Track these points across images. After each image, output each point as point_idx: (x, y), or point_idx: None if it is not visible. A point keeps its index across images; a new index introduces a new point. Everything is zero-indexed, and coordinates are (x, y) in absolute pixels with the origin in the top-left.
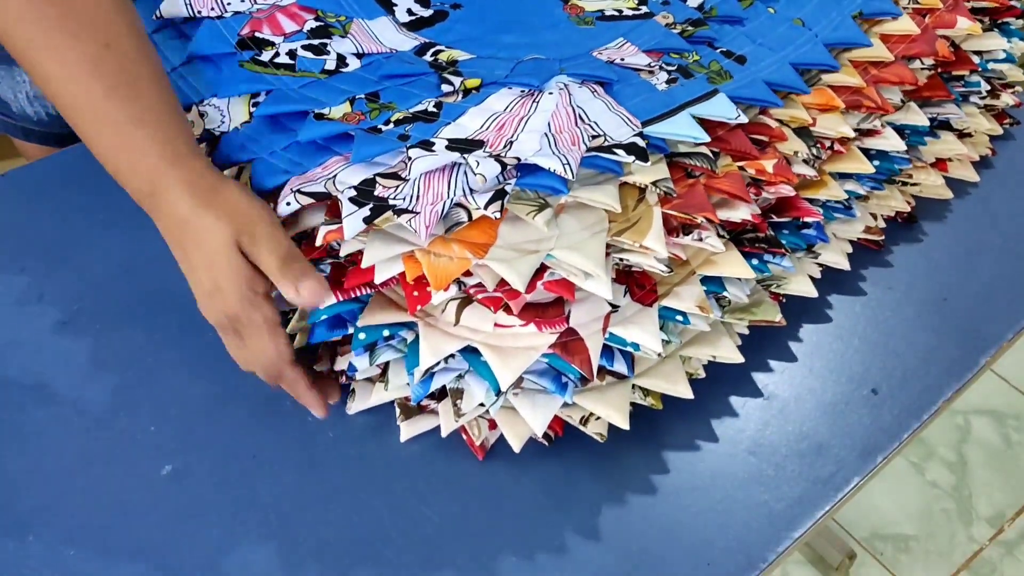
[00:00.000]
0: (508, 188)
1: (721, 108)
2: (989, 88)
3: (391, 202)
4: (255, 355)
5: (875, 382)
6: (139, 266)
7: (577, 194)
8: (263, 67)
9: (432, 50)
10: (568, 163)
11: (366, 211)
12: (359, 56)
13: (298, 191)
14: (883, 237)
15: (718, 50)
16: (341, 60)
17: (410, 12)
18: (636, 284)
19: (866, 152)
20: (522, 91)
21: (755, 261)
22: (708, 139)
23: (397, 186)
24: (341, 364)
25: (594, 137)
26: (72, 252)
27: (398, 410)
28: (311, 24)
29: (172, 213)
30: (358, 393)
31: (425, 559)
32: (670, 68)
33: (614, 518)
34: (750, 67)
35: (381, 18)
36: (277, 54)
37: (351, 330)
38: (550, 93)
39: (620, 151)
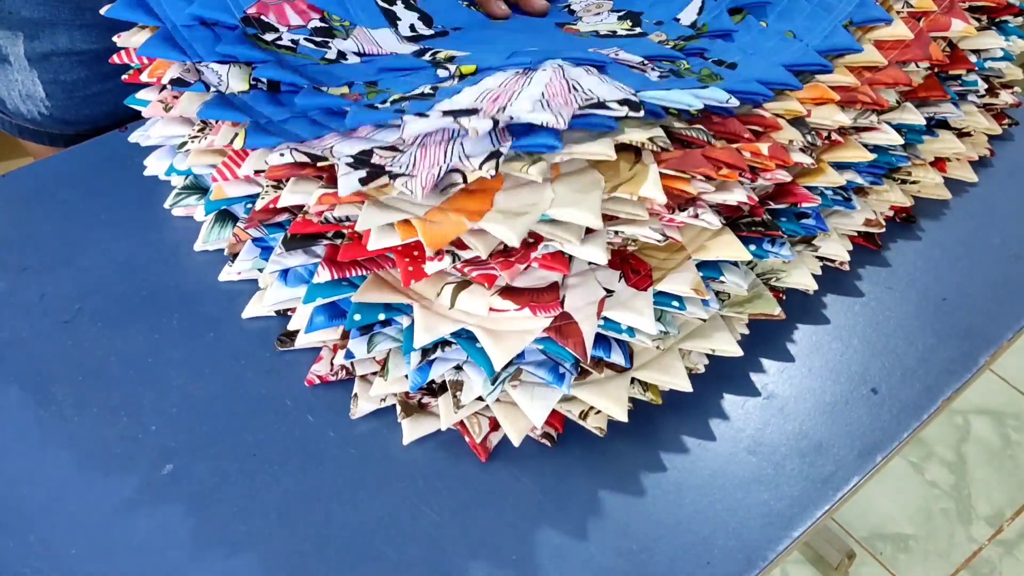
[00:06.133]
0: (503, 150)
1: (712, 93)
2: (987, 87)
3: (388, 169)
4: None
5: (875, 381)
6: (140, 266)
7: (572, 149)
8: (264, 44)
9: (430, 52)
10: (560, 115)
11: (363, 172)
12: (359, 55)
13: (294, 149)
14: (883, 229)
15: (709, 60)
16: (341, 55)
17: (412, 28)
18: (631, 270)
19: (863, 146)
20: (516, 71)
21: (753, 247)
22: (701, 105)
23: (394, 156)
24: (340, 359)
25: (588, 100)
26: (73, 252)
27: (399, 408)
28: (315, 23)
29: None
30: (360, 396)
31: (426, 558)
32: (662, 70)
33: (613, 517)
34: (741, 71)
35: (384, 29)
36: (280, 38)
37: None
38: (543, 70)
39: (613, 103)
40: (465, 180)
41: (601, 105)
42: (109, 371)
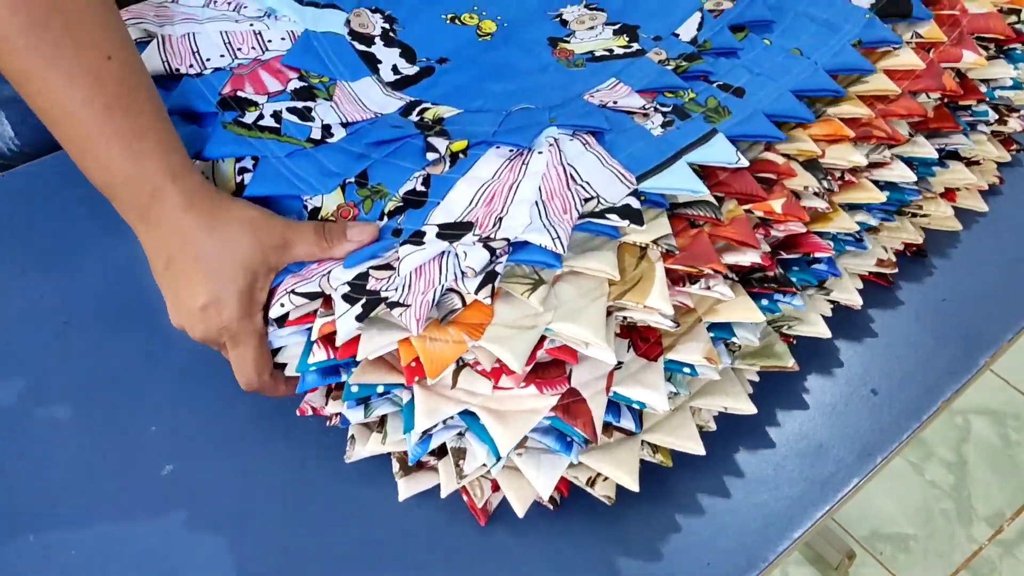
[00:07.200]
0: (499, 268)
1: (720, 152)
2: (997, 115)
3: (383, 294)
4: (239, 366)
5: (875, 382)
6: (139, 267)
7: (572, 263)
8: (247, 130)
9: (418, 109)
10: (558, 236)
11: (358, 308)
12: (344, 125)
13: (292, 291)
14: (896, 270)
15: (714, 84)
16: (327, 130)
17: (395, 70)
18: (640, 337)
19: (875, 184)
20: (511, 151)
21: (765, 301)
22: (707, 192)
23: (390, 276)
24: (333, 407)
25: (587, 200)
26: (72, 253)
27: (396, 464)
28: (295, 84)
29: (174, 227)
30: (357, 439)
31: None
32: (665, 109)
33: (614, 516)
34: (750, 98)
35: (365, 79)
36: (261, 116)
37: (345, 377)
38: (539, 152)
39: (614, 216)
40: (464, 303)
41: (601, 215)
42: (108, 372)
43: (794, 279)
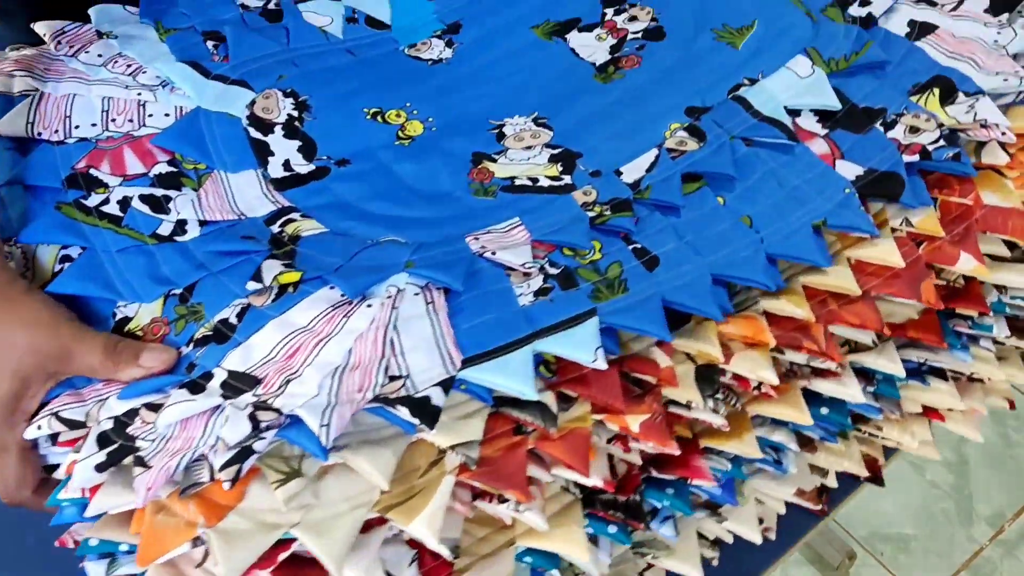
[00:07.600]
0: (259, 446)
1: (579, 346)
2: (1010, 329)
3: (138, 443)
4: None
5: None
6: None
7: (347, 455)
8: (85, 214)
9: (284, 218)
10: (328, 423)
11: (102, 456)
12: (203, 224)
13: (55, 414)
14: (821, 506)
15: (632, 246)
16: (180, 226)
17: (287, 166)
18: (429, 552)
19: (815, 396)
20: (341, 296)
21: (612, 528)
22: (536, 397)
23: (155, 422)
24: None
25: (394, 378)
26: None
27: None
28: (161, 168)
29: None
30: None
31: None
32: (553, 271)
33: None
34: (659, 275)
35: (248, 172)
36: (107, 200)
37: None
38: (369, 305)
39: (404, 408)
40: (212, 477)
41: (393, 404)
42: None
43: (666, 503)
